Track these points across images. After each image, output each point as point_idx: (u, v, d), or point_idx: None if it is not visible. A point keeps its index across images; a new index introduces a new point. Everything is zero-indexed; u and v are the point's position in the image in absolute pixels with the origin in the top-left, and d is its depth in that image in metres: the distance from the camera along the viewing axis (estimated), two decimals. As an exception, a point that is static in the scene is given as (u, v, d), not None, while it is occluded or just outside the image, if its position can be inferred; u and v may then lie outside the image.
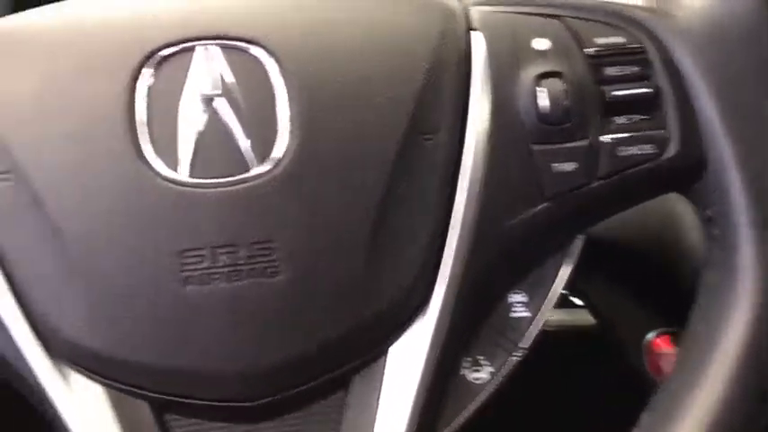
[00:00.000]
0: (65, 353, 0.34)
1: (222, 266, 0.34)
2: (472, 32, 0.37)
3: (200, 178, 0.34)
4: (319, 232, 0.34)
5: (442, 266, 0.36)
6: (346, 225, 0.34)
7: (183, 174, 0.34)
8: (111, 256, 0.33)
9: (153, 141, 0.34)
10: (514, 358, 0.38)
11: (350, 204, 0.34)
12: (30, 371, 0.34)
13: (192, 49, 0.35)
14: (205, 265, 0.34)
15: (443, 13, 0.38)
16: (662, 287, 0.53)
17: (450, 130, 0.36)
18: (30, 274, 0.34)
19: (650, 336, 0.53)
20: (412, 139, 0.35)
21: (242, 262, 0.34)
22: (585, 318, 0.61)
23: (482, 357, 0.38)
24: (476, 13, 0.38)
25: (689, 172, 0.37)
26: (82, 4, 0.37)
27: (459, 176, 0.36)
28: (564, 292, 0.39)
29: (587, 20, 0.38)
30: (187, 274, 0.34)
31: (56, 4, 0.37)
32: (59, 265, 0.33)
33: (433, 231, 0.35)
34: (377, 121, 0.35)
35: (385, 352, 0.36)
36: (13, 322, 0.34)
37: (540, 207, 0.36)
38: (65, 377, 0.34)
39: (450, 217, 0.36)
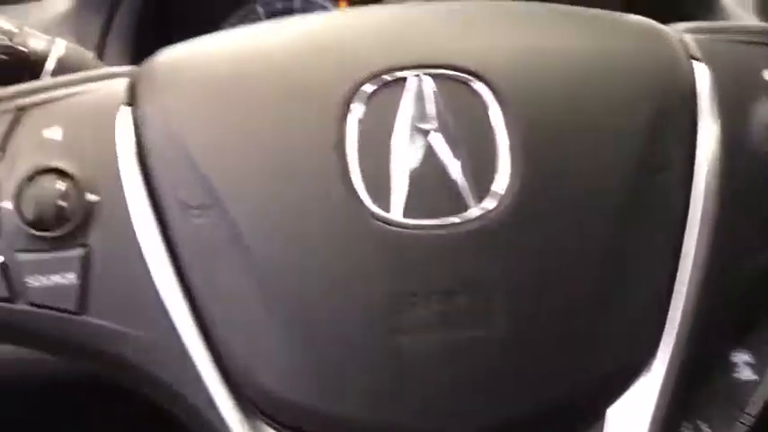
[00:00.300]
0: (259, 403, 0.32)
1: (437, 315, 0.31)
2: (694, 62, 0.34)
3: (414, 218, 0.31)
4: (541, 279, 0.31)
5: (669, 317, 0.32)
6: (570, 271, 0.31)
7: (396, 213, 0.31)
8: (317, 299, 0.31)
9: (364, 177, 0.31)
10: (740, 427, 0.34)
11: (575, 248, 0.31)
12: (220, 421, 0.32)
13: (403, 79, 0.32)
14: (419, 312, 0.31)
15: (661, 41, 0.35)
16: None
17: (679, 166, 0.33)
18: (224, 315, 0.31)
19: None
20: (641, 175, 0.32)
21: (458, 310, 0.31)
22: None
23: (704, 424, 0.34)
24: (692, 40, 0.35)
25: None
26: (276, 30, 0.35)
27: (689, 217, 0.32)
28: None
29: None
30: (398, 322, 0.31)
31: (242, 30, 0.35)
32: (258, 308, 0.31)
33: (662, 278, 0.32)
34: (603, 157, 0.32)
35: (604, 414, 0.32)
36: (203, 366, 0.31)
37: None
38: (256, 430, 0.32)
39: (678, 262, 0.32)
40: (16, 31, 0.43)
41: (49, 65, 0.43)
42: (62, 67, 0.43)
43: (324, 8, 0.75)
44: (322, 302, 0.31)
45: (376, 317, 0.31)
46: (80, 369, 0.42)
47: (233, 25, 0.73)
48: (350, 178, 0.31)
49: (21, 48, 0.42)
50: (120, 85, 0.34)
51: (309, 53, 0.33)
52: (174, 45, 0.34)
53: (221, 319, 0.31)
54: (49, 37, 0.44)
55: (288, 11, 0.75)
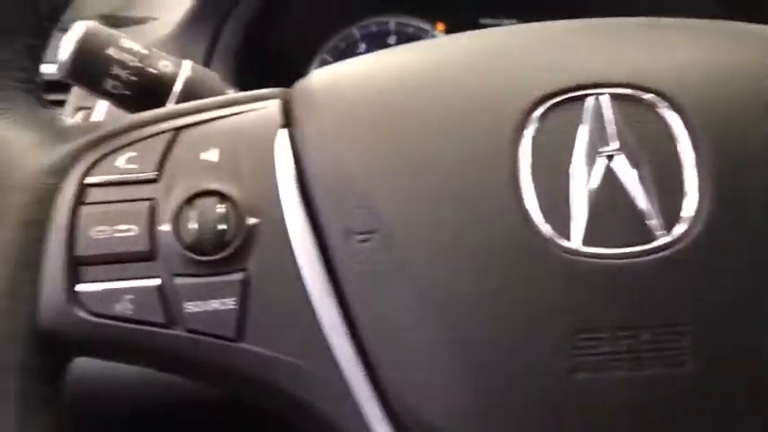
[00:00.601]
0: (424, 442, 0.29)
1: (622, 352, 0.28)
2: None
3: (596, 246, 0.29)
4: (736, 311, 0.29)
5: None
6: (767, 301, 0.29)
7: (576, 241, 0.29)
8: (489, 332, 0.29)
9: (540, 202, 0.29)
10: None
11: (770, 281, 0.29)
12: None
13: (580, 99, 0.30)
14: (603, 349, 0.28)
15: None
16: None
17: None
18: (387, 348, 0.29)
19: None
20: None
21: (645, 347, 0.28)
22: None
23: None
24: None
25: None
26: (438, 50, 0.33)
27: None
28: None
29: None
30: (580, 359, 0.28)
31: (398, 51, 0.34)
32: (425, 341, 0.29)
33: None
34: None
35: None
36: (364, 400, 0.29)
37: None
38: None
39: None
40: (146, 52, 0.42)
41: (177, 86, 0.42)
42: (189, 89, 0.42)
43: (420, 30, 0.74)
44: (495, 336, 0.29)
45: (556, 353, 0.28)
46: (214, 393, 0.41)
47: (333, 50, 0.72)
48: (524, 203, 0.29)
49: (151, 69, 0.42)
50: (273, 107, 0.32)
51: (478, 72, 0.31)
52: (325, 67, 0.33)
53: (384, 351, 0.29)
54: (175, 59, 0.44)
55: (383, 33, 0.74)
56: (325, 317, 0.29)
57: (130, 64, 0.41)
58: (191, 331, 0.29)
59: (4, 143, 0.30)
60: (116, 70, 0.41)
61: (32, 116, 0.31)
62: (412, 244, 0.29)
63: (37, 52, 0.32)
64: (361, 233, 0.30)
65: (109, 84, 0.41)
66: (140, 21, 0.72)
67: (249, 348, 0.29)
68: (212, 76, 0.45)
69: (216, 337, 0.29)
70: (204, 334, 0.29)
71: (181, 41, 0.62)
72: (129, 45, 0.41)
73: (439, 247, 0.29)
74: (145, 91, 0.41)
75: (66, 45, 0.41)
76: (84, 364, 0.32)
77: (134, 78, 0.41)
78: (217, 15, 0.68)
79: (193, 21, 0.64)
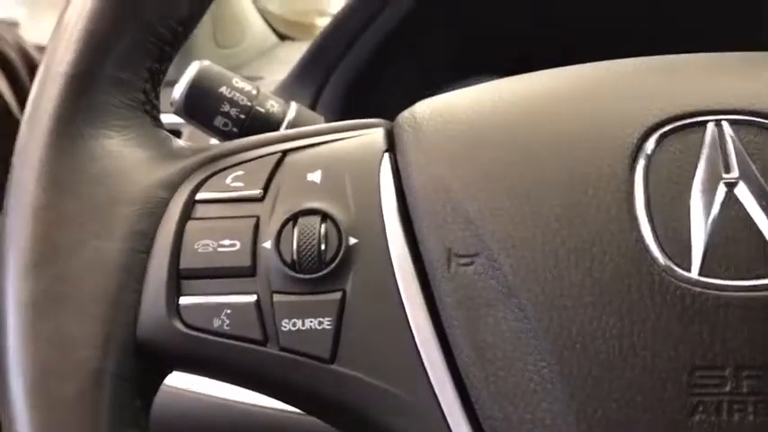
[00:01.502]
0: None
1: (746, 394, 0.26)
2: None
3: (718, 278, 0.27)
4: None
5: None
6: None
7: (695, 272, 0.27)
8: (601, 367, 0.27)
9: (656, 231, 0.28)
10: None
11: None
12: None
13: (699, 125, 0.29)
14: (724, 389, 0.26)
15: None
16: None
17: None
18: (489, 378, 0.28)
19: None
20: None
21: (772, 389, 0.26)
22: None
23: None
24: None
25: None
26: (547, 78, 0.33)
27: None
28: None
29: None
30: (699, 398, 0.26)
31: (505, 81, 0.33)
32: (531, 372, 0.27)
33: None
34: None
35: None
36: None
37: None
38: None
39: None
40: (255, 92, 0.43)
41: (283, 126, 0.43)
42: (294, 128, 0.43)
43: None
44: (608, 372, 0.27)
45: (673, 392, 0.26)
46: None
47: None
48: (640, 231, 0.28)
49: (259, 108, 0.43)
50: (378, 133, 0.32)
51: (591, 100, 0.31)
52: (430, 98, 0.33)
53: (485, 383, 0.28)
54: (281, 100, 0.45)
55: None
56: (424, 343, 0.28)
57: (240, 103, 0.42)
58: (284, 350, 0.29)
59: (119, 157, 0.31)
60: (226, 108, 0.42)
61: (148, 135, 0.32)
62: (518, 270, 0.28)
63: (157, 76, 0.33)
64: (464, 256, 0.29)
65: (219, 121, 0.42)
66: (248, 80, 0.75)
67: (341, 371, 0.29)
68: (317, 118, 0.46)
69: (309, 356, 0.29)
70: (298, 353, 0.29)
71: (287, 93, 0.64)
72: (240, 84, 0.43)
73: (547, 276, 0.28)
74: (252, 129, 0.42)
75: (180, 84, 0.42)
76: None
77: (243, 116, 0.42)
78: (322, 72, 0.70)
79: (300, 74, 0.66)
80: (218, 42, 0.92)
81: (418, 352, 0.28)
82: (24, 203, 0.29)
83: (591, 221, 0.28)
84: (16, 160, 0.30)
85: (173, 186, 0.31)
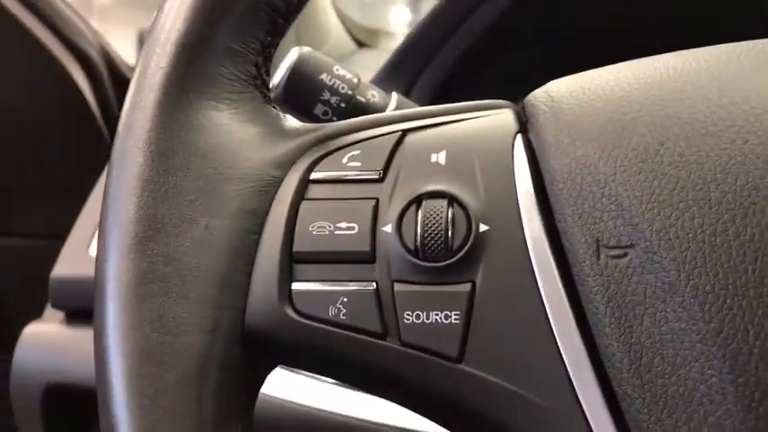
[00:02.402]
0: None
1: None
2: None
3: None
4: None
5: None
6: None
7: None
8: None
9: None
10: None
11: None
12: None
13: None
14: None
15: None
16: None
17: None
18: (646, 384, 0.25)
19: None
20: None
21: None
22: None
23: None
24: None
25: None
26: (688, 57, 0.30)
27: None
28: None
29: None
30: None
31: (645, 61, 0.31)
32: (699, 380, 0.24)
33: None
34: None
35: None
36: None
37: None
38: None
39: None
40: (356, 81, 0.41)
41: (384, 118, 0.41)
42: (395, 121, 0.41)
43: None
44: None
45: None
46: None
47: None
48: None
49: (360, 98, 0.41)
50: (507, 114, 0.30)
51: (740, 78, 0.28)
52: (561, 78, 0.30)
53: (639, 391, 0.25)
54: (382, 91, 0.43)
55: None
56: (566, 344, 0.26)
57: (341, 91, 0.40)
58: (406, 344, 0.27)
59: (229, 132, 0.29)
60: (327, 96, 0.40)
61: (259, 110, 0.30)
62: (682, 265, 0.25)
63: (269, 50, 0.31)
64: (616, 247, 0.26)
65: (320, 109, 0.40)
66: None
67: (469, 371, 0.26)
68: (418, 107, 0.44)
69: (433, 353, 0.26)
70: (421, 349, 0.27)
71: (381, 83, 0.63)
72: (341, 72, 0.41)
73: (718, 272, 0.25)
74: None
75: (280, 69, 0.41)
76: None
77: (343, 105, 0.40)
78: (408, 75, 0.68)
79: (385, 78, 0.64)
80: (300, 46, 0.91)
81: (559, 353, 0.26)
82: (129, 176, 0.27)
83: (755, 206, 0.25)
84: (122, 129, 0.29)
85: (285, 165, 0.29)
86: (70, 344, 0.59)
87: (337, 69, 0.41)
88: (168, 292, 0.26)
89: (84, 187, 1.04)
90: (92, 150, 1.01)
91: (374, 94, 0.42)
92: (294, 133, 0.30)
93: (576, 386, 0.25)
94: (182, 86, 0.28)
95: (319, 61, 0.41)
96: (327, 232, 0.28)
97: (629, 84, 0.29)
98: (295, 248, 0.28)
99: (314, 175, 0.29)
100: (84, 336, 0.59)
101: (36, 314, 1.03)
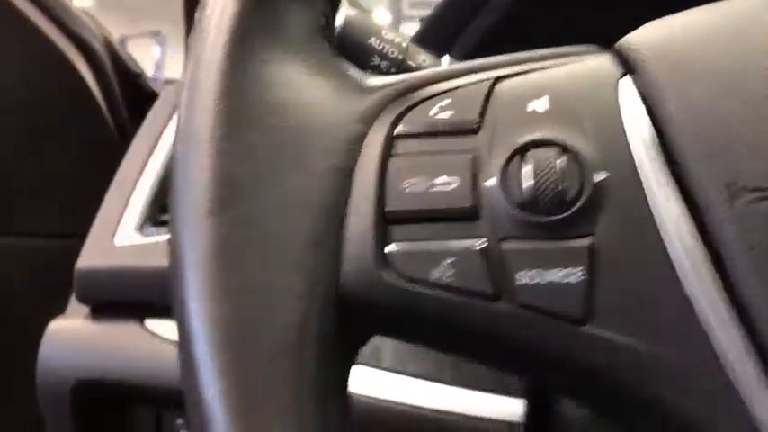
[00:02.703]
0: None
1: None
2: None
3: None
4: None
5: None
6: None
7: None
8: None
9: None
10: None
11: None
12: None
13: None
14: None
15: None
16: None
17: None
18: None
19: None
20: None
21: None
22: None
23: None
24: None
25: None
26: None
27: None
28: None
29: None
30: None
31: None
32: None
33: None
34: None
35: None
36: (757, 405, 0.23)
37: None
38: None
39: None
40: (405, 45, 0.39)
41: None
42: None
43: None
44: None
45: None
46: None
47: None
48: None
49: (411, 63, 0.39)
50: (605, 58, 0.28)
51: None
52: (658, 21, 0.28)
53: None
54: (431, 55, 0.41)
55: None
56: (701, 297, 0.24)
57: (391, 56, 0.38)
58: (523, 306, 0.24)
59: (302, 87, 0.27)
60: (377, 61, 0.38)
61: (330, 63, 0.28)
62: None
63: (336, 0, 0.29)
64: (755, 190, 0.23)
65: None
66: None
67: (596, 333, 0.24)
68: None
69: (555, 315, 0.24)
70: (540, 311, 0.24)
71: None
72: (390, 36, 0.39)
73: None
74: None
75: (328, 34, 0.39)
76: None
77: (393, 71, 0.38)
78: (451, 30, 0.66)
79: (429, 30, 0.62)
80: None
81: (693, 308, 0.24)
82: (200, 135, 0.25)
83: None
84: (187, 86, 0.26)
85: (367, 120, 0.27)
86: (98, 339, 0.57)
87: (386, 33, 0.39)
88: (254, 257, 0.24)
89: (90, 183, 1.01)
90: (98, 144, 0.98)
91: (425, 59, 0.40)
92: (372, 86, 0.28)
93: (714, 342, 0.23)
94: (250, 40, 0.26)
95: (367, 24, 0.39)
96: (423, 189, 0.26)
97: (727, 20, 0.27)
98: (388, 208, 0.26)
99: (400, 130, 0.27)
100: (112, 330, 0.57)
101: (44, 315, 1.01)
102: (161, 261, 0.62)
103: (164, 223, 0.58)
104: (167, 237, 0.60)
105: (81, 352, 0.57)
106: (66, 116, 0.95)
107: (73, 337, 0.57)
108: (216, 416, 0.23)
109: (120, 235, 0.57)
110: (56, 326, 0.58)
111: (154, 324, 0.56)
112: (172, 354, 0.59)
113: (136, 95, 1.03)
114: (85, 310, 0.58)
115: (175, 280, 0.25)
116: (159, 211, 0.59)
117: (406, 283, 0.25)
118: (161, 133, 0.64)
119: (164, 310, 0.56)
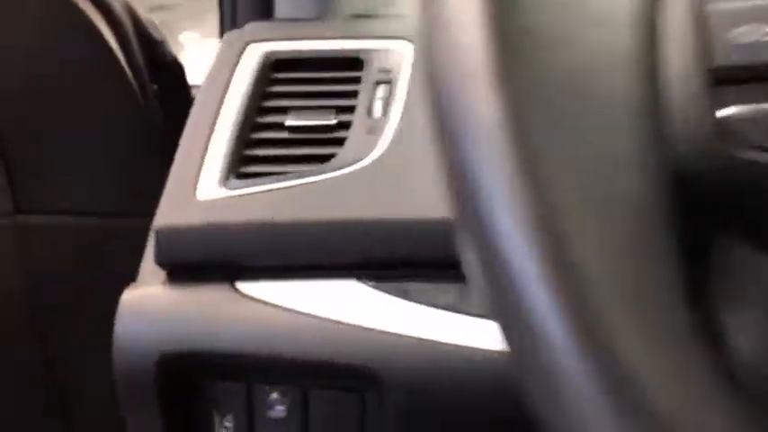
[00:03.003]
0: None
1: None
2: None
3: None
4: None
5: None
6: None
7: None
8: None
9: None
10: None
11: None
12: None
13: None
14: None
15: None
16: None
17: None
18: None
19: None
20: None
21: None
22: None
23: None
24: None
25: None
26: None
27: None
28: None
29: None
30: None
31: None
32: None
33: None
34: None
35: None
36: None
37: None
38: None
39: None
40: None
41: None
42: None
43: None
44: None
45: None
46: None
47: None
48: None
49: None
50: None
51: None
52: None
53: None
54: None
55: None
56: None
57: None
58: None
59: None
60: None
61: None
62: None
63: None
64: None
65: None
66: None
67: None
68: None
69: None
70: None
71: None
72: None
73: None
74: None
75: None
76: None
77: None
78: None
79: None
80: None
81: None
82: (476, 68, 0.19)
83: None
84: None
85: None
86: (184, 306, 0.51)
87: None
88: (569, 124, 0.18)
89: (118, 155, 0.94)
90: (124, 114, 0.92)
91: None
92: None
93: None
94: None
95: None
96: (753, 40, 0.20)
97: None
98: (717, 63, 0.20)
99: None
100: (200, 295, 0.50)
101: (82, 299, 0.94)
102: (253, 215, 0.55)
103: (248, 175, 0.52)
104: (256, 189, 0.53)
105: (164, 323, 0.50)
106: (94, 84, 0.89)
107: (153, 307, 0.51)
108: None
109: (202, 189, 0.51)
110: (131, 295, 0.52)
111: (246, 286, 0.50)
112: (272, 317, 0.52)
113: (157, 63, 0.97)
114: (161, 275, 0.52)
115: (472, 186, 0.19)
116: (240, 164, 0.53)
117: (758, 152, 0.19)
118: (229, 82, 0.58)
119: (258, 271, 0.50)
